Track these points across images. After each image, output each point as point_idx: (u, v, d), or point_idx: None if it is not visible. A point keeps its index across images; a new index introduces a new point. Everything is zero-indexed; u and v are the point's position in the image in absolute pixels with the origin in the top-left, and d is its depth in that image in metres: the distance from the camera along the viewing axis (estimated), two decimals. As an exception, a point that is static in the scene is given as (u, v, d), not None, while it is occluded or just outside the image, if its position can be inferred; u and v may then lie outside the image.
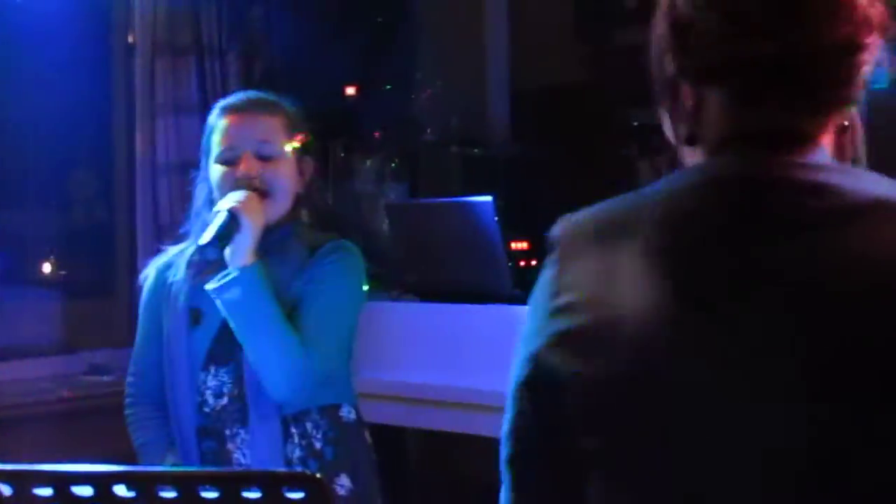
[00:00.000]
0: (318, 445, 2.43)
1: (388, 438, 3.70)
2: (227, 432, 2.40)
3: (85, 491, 1.42)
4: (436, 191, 5.04)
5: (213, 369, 2.41)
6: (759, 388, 1.16)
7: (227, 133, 2.42)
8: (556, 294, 1.27)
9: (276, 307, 2.32)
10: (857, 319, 1.18)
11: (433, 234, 3.89)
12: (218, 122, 2.46)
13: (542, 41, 5.75)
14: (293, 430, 2.41)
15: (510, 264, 3.91)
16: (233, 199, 2.30)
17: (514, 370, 1.29)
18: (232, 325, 2.33)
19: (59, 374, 4.37)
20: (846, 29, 1.25)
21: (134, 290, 4.55)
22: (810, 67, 1.27)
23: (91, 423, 4.04)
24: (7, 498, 1.45)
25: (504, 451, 1.30)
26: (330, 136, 4.17)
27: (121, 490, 1.42)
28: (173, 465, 2.42)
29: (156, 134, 4.36)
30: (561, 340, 1.24)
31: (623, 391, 1.21)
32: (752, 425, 1.16)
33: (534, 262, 4.69)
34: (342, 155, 4.70)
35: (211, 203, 2.44)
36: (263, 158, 2.40)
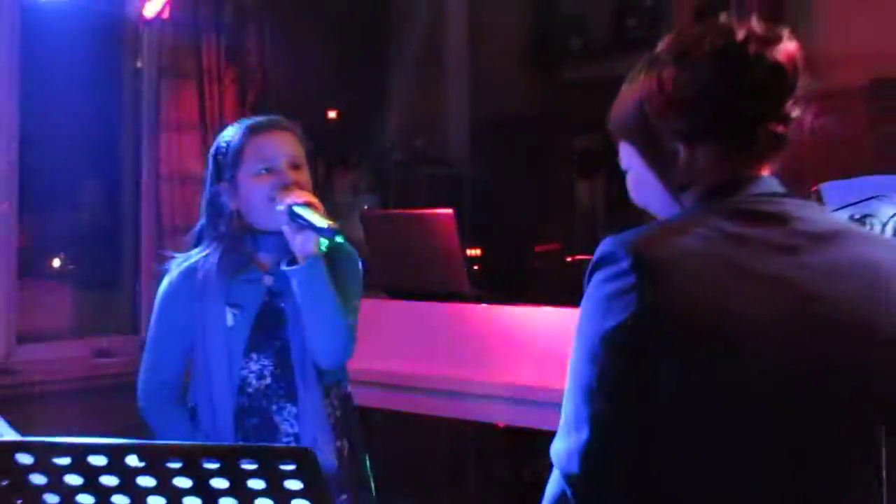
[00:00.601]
0: (338, 414, 2.48)
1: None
2: (274, 407, 2.41)
3: (100, 461, 1.37)
4: (404, 203, 5.04)
5: (254, 356, 2.41)
6: None
7: (262, 149, 2.40)
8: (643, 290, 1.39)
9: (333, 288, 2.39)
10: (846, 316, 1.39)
11: (402, 240, 3.88)
12: (249, 141, 2.41)
13: (498, 75, 5.77)
14: (326, 401, 2.44)
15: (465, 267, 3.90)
16: (303, 195, 2.31)
17: (592, 345, 1.39)
18: (305, 298, 2.33)
19: (70, 356, 4.30)
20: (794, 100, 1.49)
21: (137, 283, 4.57)
22: (778, 127, 1.48)
23: (99, 400, 3.99)
24: (28, 466, 1.41)
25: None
26: (313, 153, 4.13)
27: (132, 460, 1.38)
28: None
29: (160, 148, 4.31)
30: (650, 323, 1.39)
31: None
32: None
33: (484, 266, 4.70)
34: (324, 170, 4.68)
35: (224, 210, 2.43)
36: (295, 167, 2.41)
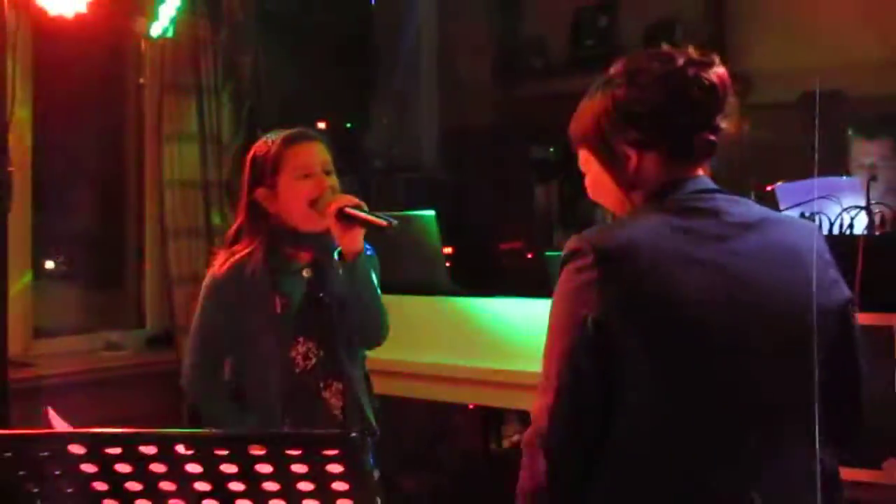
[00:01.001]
0: (372, 389, 2.61)
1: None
2: (321, 385, 2.47)
3: (150, 450, 1.31)
4: (384, 206, 4.96)
5: (301, 339, 2.46)
6: None
7: (300, 157, 2.45)
8: (609, 282, 1.55)
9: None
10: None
11: (387, 240, 3.81)
12: (288, 149, 2.45)
13: (466, 90, 5.74)
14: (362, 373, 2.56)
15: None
16: (353, 200, 2.39)
17: (562, 330, 1.55)
18: (354, 289, 2.42)
19: (82, 350, 4.21)
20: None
21: (141, 281, 4.49)
22: (710, 136, 1.66)
23: (109, 391, 3.91)
24: (79, 456, 1.34)
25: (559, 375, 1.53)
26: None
27: (180, 448, 1.32)
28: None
29: (162, 157, 4.22)
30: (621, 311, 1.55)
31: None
32: None
33: (455, 263, 4.65)
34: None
35: (264, 212, 2.47)
36: (328, 173, 2.48)
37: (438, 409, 4.50)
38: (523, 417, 5.10)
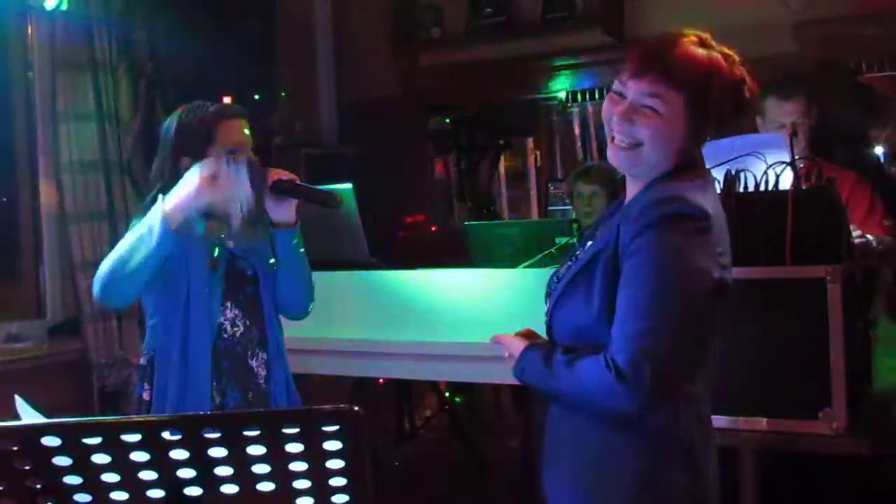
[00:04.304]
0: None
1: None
2: (248, 353, 2.52)
3: (133, 437, 1.22)
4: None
5: (228, 304, 2.50)
6: None
7: (232, 132, 2.48)
8: (715, 244, 1.78)
9: None
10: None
11: (304, 215, 3.72)
12: (220, 122, 2.48)
13: (363, 62, 5.65)
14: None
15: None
16: (287, 174, 2.46)
17: (691, 278, 1.74)
18: (290, 260, 2.53)
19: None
20: None
21: (40, 270, 4.27)
22: None
23: (13, 384, 3.70)
24: (54, 448, 1.24)
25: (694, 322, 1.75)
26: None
27: (166, 434, 1.23)
28: None
29: (59, 138, 4.01)
30: (724, 269, 1.80)
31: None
32: None
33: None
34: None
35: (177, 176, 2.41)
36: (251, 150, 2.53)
37: (343, 386, 4.45)
38: (437, 390, 5.11)
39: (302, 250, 2.57)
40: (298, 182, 2.48)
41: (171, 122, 2.54)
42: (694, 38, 1.86)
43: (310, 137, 5.35)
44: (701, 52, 1.84)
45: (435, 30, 5.41)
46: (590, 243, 1.96)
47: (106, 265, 2.35)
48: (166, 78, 4.08)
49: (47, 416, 1.36)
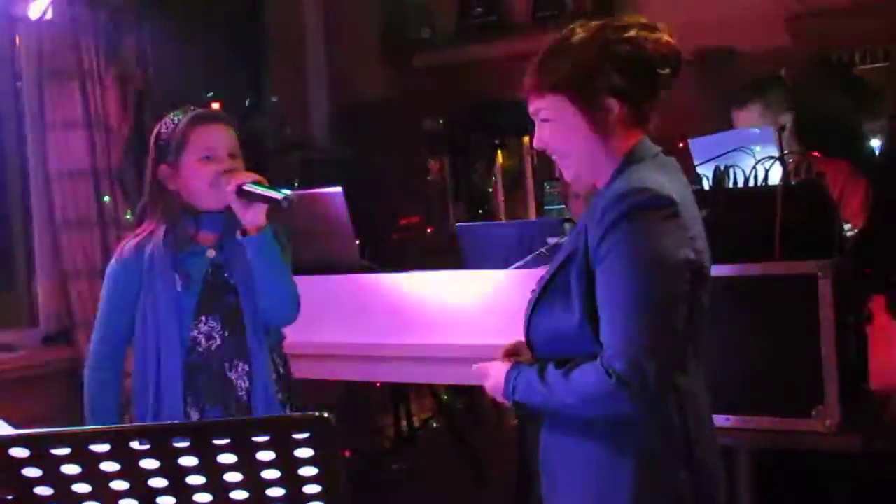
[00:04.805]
0: (281, 370, 2.53)
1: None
2: (227, 365, 2.43)
3: (102, 448, 1.21)
4: (280, 187, 4.85)
5: (203, 318, 2.43)
6: None
7: (206, 138, 2.42)
8: (686, 228, 1.75)
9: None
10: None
11: (295, 219, 3.70)
12: (194, 129, 2.42)
13: (353, 65, 5.64)
14: (270, 359, 2.49)
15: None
16: (251, 176, 2.36)
17: (670, 267, 1.72)
18: (261, 266, 2.39)
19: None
20: None
21: (33, 278, 4.26)
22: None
23: (6, 394, 3.70)
24: (22, 459, 1.22)
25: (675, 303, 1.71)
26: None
27: (135, 444, 1.21)
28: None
29: (47, 147, 4.00)
30: (699, 253, 1.78)
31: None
32: None
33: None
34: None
35: (165, 191, 2.44)
36: (232, 157, 2.44)
37: (343, 389, 4.44)
38: (435, 393, 5.09)
39: (278, 255, 2.45)
40: (258, 184, 2.37)
41: (155, 131, 2.51)
42: (571, 31, 1.87)
43: (302, 141, 5.33)
44: (573, 41, 1.85)
45: (425, 31, 5.40)
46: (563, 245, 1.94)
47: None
48: (155, 85, 4.07)
49: (44, 426, 1.33)
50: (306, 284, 3.65)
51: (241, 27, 4.41)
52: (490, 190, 6.25)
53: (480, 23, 5.20)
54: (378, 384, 4.78)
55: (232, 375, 2.44)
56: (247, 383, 2.44)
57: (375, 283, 3.60)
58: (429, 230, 5.66)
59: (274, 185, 2.38)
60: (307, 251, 3.73)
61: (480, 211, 5.84)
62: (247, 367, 2.44)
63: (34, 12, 3.85)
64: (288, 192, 2.35)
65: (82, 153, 3.99)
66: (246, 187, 2.34)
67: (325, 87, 5.57)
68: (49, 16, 3.86)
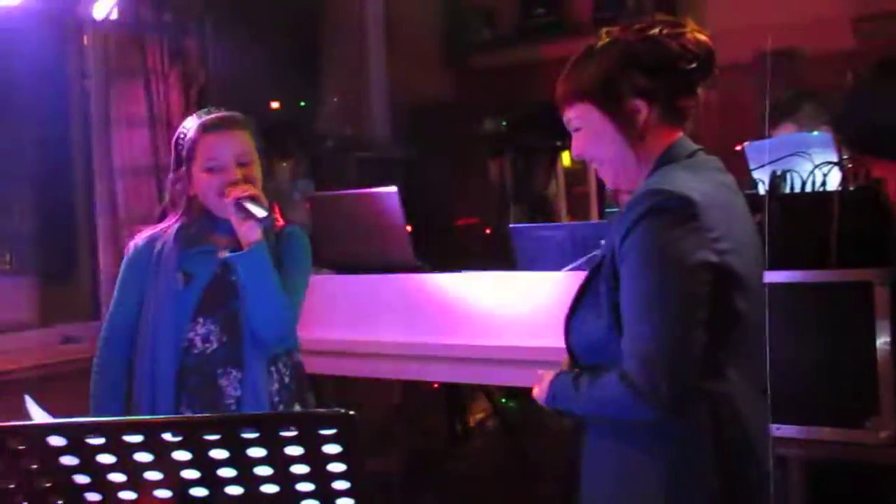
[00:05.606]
0: (286, 380, 2.46)
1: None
2: (219, 371, 2.37)
3: (136, 438, 1.23)
4: (336, 185, 4.88)
5: (201, 320, 2.38)
6: None
7: (212, 148, 2.39)
8: (707, 229, 1.68)
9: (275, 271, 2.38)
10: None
11: (350, 218, 3.73)
12: (201, 138, 2.40)
13: (414, 66, 5.66)
14: (272, 368, 2.43)
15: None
16: (247, 190, 2.32)
17: (684, 270, 1.66)
18: (248, 281, 2.34)
19: (39, 345, 4.08)
20: None
21: (95, 272, 4.35)
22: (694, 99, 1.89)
23: (70, 385, 3.76)
24: (60, 448, 1.25)
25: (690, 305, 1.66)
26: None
27: (167, 436, 1.23)
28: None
29: (112, 144, 4.10)
30: (724, 254, 1.69)
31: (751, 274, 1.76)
32: None
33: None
34: (265, 159, 4.50)
35: (183, 193, 2.45)
36: (242, 164, 2.39)
37: (398, 389, 4.46)
38: (489, 393, 5.08)
39: (269, 275, 2.36)
40: (254, 198, 2.32)
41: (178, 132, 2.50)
42: (598, 37, 1.86)
43: (361, 141, 5.37)
44: (597, 47, 1.84)
45: (485, 32, 5.40)
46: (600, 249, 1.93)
47: None
48: (217, 84, 4.14)
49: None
50: (361, 283, 3.73)
51: (301, 28, 4.45)
52: (550, 192, 6.24)
53: (541, 23, 5.18)
54: (435, 385, 4.79)
55: (222, 382, 2.37)
56: (238, 391, 2.37)
57: (429, 283, 3.61)
58: (487, 231, 5.66)
59: (260, 203, 2.32)
60: (362, 250, 3.78)
61: (541, 213, 5.81)
62: (240, 376, 2.37)
63: (100, 13, 3.94)
64: (265, 213, 2.31)
65: (145, 151, 4.08)
66: (241, 201, 2.31)
67: (384, 88, 5.60)
68: (114, 16, 3.94)
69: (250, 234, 2.33)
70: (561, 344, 2.02)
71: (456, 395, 5.02)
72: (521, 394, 5.25)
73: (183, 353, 2.36)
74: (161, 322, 2.37)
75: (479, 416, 5.23)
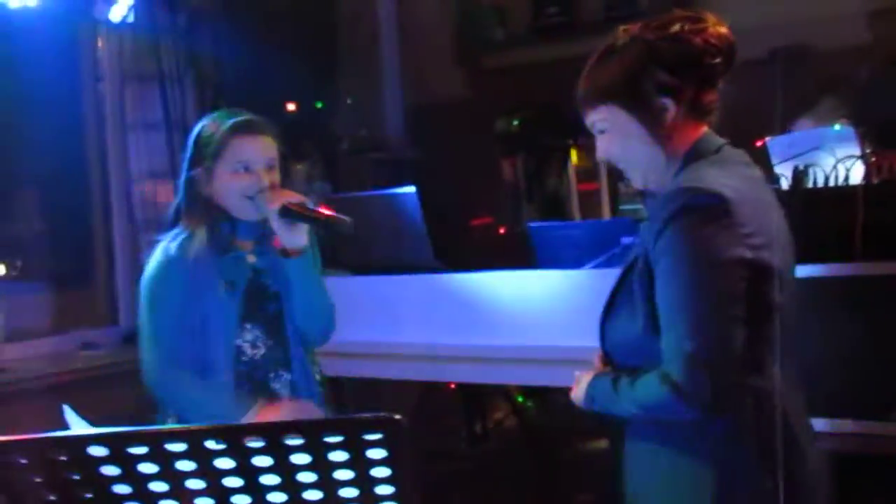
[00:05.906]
0: (317, 378, 2.48)
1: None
2: (271, 375, 2.39)
3: (178, 447, 1.22)
4: (352, 187, 4.88)
5: (248, 326, 2.37)
6: None
7: (243, 150, 2.35)
8: (740, 226, 1.66)
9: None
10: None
11: (369, 219, 3.72)
12: (231, 139, 2.35)
13: (427, 66, 5.65)
14: (315, 367, 2.47)
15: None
16: (297, 196, 2.30)
17: (720, 267, 1.65)
18: (299, 283, 2.35)
19: (57, 351, 4.09)
20: None
21: (113, 278, 4.35)
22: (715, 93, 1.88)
23: (89, 391, 3.79)
24: (101, 458, 1.24)
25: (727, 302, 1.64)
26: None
27: (210, 444, 1.22)
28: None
29: (128, 148, 4.10)
30: (758, 249, 1.68)
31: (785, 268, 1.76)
32: None
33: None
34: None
35: (199, 193, 2.37)
36: (270, 169, 2.37)
37: (415, 391, 4.44)
38: (508, 393, 5.07)
39: (318, 272, 2.40)
40: (307, 205, 2.30)
41: (195, 129, 2.45)
42: (615, 37, 1.84)
43: (376, 142, 5.36)
44: (616, 47, 1.82)
45: (498, 31, 5.38)
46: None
47: None
48: (232, 87, 4.13)
49: (124, 424, 1.36)
50: (380, 284, 3.72)
51: (315, 29, 4.45)
52: (562, 190, 6.22)
53: (553, 23, 5.16)
54: (452, 385, 4.78)
55: (275, 385, 2.38)
56: (288, 393, 2.39)
57: (449, 283, 3.60)
58: (501, 231, 5.64)
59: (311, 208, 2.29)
60: (380, 251, 3.77)
61: (554, 211, 5.79)
62: (289, 378, 2.39)
63: (115, 15, 3.94)
64: (348, 219, 2.27)
65: (161, 154, 4.08)
66: (293, 207, 2.27)
67: (398, 89, 5.59)
68: (130, 19, 3.94)
69: (298, 240, 2.30)
70: (582, 342, 2.02)
71: (474, 396, 5.01)
72: (540, 393, 5.25)
73: (235, 363, 2.35)
74: (216, 333, 2.33)
75: (498, 416, 5.22)
